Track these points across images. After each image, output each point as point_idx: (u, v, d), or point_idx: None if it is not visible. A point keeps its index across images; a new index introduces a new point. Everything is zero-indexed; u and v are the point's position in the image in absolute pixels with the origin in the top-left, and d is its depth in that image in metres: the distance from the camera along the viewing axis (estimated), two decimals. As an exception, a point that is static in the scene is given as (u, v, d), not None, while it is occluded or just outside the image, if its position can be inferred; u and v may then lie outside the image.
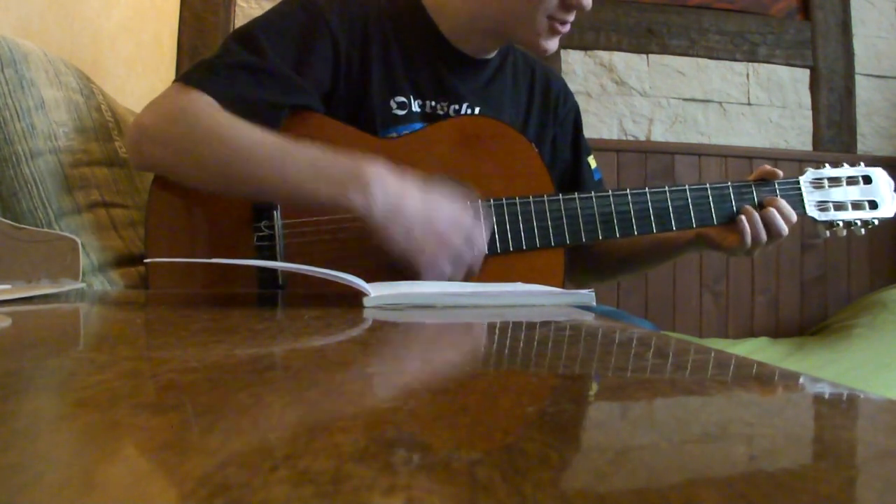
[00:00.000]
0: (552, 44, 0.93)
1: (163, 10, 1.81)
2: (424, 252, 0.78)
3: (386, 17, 0.94)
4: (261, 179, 0.79)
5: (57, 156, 0.86)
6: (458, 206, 0.82)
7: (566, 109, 1.10)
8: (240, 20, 1.93)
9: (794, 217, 0.95)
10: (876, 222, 1.00)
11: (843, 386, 0.27)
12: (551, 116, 1.07)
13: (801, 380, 0.30)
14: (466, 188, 0.90)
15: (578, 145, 1.10)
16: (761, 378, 0.31)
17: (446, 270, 0.80)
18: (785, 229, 0.93)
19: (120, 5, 1.48)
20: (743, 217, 0.93)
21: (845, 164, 1.02)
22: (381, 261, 0.82)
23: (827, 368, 1.65)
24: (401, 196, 0.78)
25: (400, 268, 0.80)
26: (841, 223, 0.99)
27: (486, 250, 0.85)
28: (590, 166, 1.11)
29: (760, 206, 0.95)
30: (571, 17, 0.91)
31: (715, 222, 0.95)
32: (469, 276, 0.83)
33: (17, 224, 0.70)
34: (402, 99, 0.93)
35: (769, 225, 0.93)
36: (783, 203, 0.94)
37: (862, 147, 2.17)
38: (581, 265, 1.14)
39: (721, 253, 0.98)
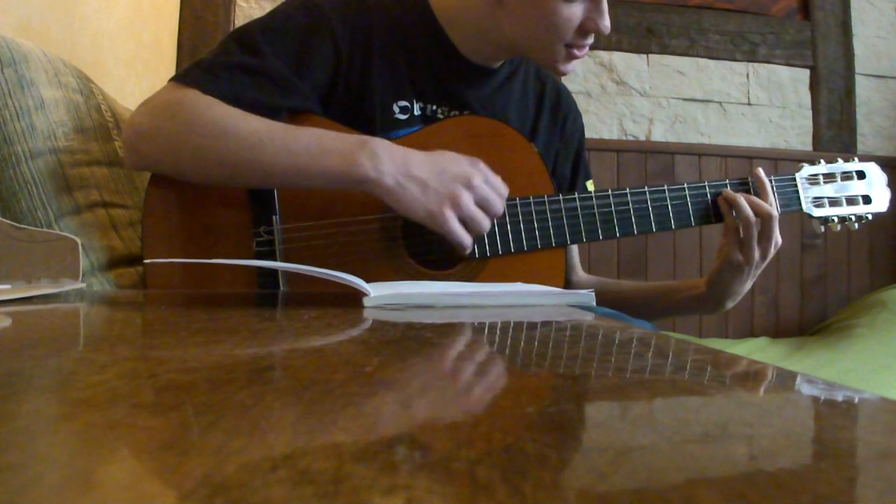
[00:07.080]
0: (570, 66, 0.93)
1: (163, 10, 1.80)
2: (447, 201, 0.79)
3: (392, 20, 0.92)
4: (268, 163, 0.79)
5: (57, 156, 0.86)
6: (466, 157, 0.82)
7: (573, 130, 1.09)
8: (240, 20, 1.93)
9: (768, 207, 0.92)
10: (870, 217, 1.00)
11: (842, 386, 0.27)
12: (558, 133, 1.07)
13: (801, 380, 0.30)
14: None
15: (578, 168, 1.10)
16: (761, 378, 0.31)
17: (473, 211, 0.80)
18: (769, 210, 0.91)
19: (120, 5, 1.48)
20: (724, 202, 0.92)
21: (839, 160, 1.02)
22: (379, 264, 0.82)
23: (827, 368, 1.65)
24: (407, 157, 0.79)
25: (423, 230, 0.82)
26: (836, 218, 0.99)
27: (506, 190, 0.84)
28: (586, 190, 1.09)
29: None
30: (590, 41, 0.91)
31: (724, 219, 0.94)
32: (494, 218, 0.82)
33: (17, 224, 0.70)
34: (406, 103, 0.92)
35: (753, 205, 0.91)
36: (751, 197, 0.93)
37: (862, 147, 2.17)
38: None
39: (734, 269, 0.93)
